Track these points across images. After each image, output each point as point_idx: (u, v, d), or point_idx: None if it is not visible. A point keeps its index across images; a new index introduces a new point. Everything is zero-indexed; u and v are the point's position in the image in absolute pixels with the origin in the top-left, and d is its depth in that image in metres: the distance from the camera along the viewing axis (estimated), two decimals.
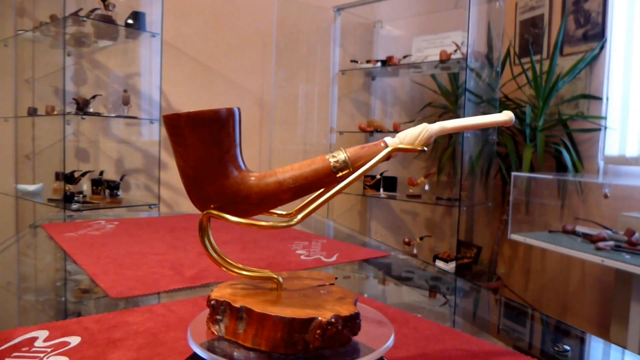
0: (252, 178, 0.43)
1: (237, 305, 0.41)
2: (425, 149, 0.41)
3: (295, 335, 0.37)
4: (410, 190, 2.93)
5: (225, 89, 2.85)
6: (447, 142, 3.02)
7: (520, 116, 2.81)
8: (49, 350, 0.55)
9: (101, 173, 2.51)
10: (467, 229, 3.13)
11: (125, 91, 2.52)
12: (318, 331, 0.36)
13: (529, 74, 2.69)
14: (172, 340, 0.58)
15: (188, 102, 2.75)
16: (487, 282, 2.93)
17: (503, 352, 0.56)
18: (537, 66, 2.70)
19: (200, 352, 0.38)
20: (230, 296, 0.43)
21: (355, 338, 0.42)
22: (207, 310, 0.47)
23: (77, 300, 0.78)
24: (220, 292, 0.44)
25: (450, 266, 2.77)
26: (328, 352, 0.39)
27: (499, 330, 0.71)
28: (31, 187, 2.45)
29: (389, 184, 3.00)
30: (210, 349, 0.39)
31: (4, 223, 2.51)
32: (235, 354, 0.38)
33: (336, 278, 0.44)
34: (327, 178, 0.40)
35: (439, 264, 2.85)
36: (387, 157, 0.41)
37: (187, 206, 2.47)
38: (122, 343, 0.57)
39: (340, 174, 0.39)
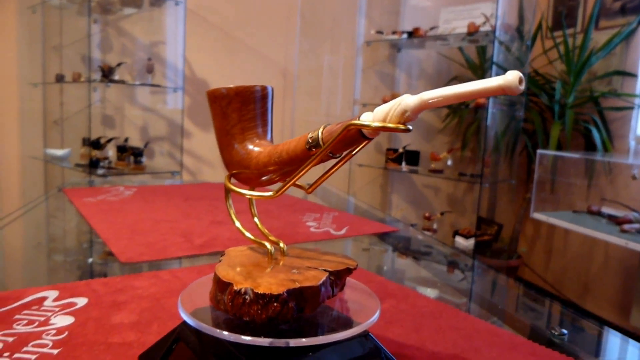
0: (255, 150, 0.44)
1: (220, 259, 0.45)
2: (410, 127, 0.34)
3: (218, 294, 0.39)
4: (433, 165, 2.90)
5: (249, 58, 2.84)
6: (473, 117, 2.96)
7: (549, 92, 2.72)
8: (56, 309, 0.57)
9: (126, 140, 2.56)
10: (489, 206, 3.09)
11: (149, 59, 2.53)
12: (229, 296, 0.38)
13: (561, 48, 2.59)
14: (173, 306, 0.59)
15: (211, 71, 2.76)
16: (506, 260, 2.90)
17: (498, 332, 0.56)
18: (570, 40, 2.60)
19: (186, 317, 0.39)
20: (231, 252, 0.47)
21: (344, 313, 0.43)
22: (202, 278, 0.48)
23: (88, 263, 0.80)
24: (234, 249, 0.48)
25: (470, 242, 2.76)
26: (306, 323, 0.40)
27: (501, 310, 0.71)
28: (59, 152, 2.51)
29: (411, 158, 2.97)
30: (196, 315, 0.40)
31: (34, 186, 2.60)
32: (217, 320, 0.39)
33: (356, 267, 0.43)
34: (302, 154, 0.39)
35: (459, 239, 2.83)
36: (357, 136, 0.36)
37: (210, 174, 2.50)
38: (125, 306, 0.59)
39: (313, 150, 0.38)
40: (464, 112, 2.94)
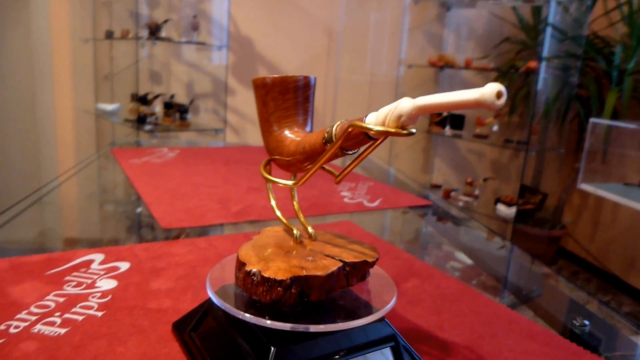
0: (289, 138, 0.46)
1: (252, 237, 0.48)
2: (413, 130, 0.34)
3: (237, 271, 0.43)
4: (478, 130, 2.83)
5: (294, 15, 2.80)
6: (522, 82, 2.84)
7: (608, 57, 2.57)
8: (102, 272, 0.62)
9: (172, 96, 2.61)
10: (534, 175, 3.01)
11: (194, 17, 2.55)
12: (242, 275, 0.41)
13: (625, 9, 2.42)
14: (206, 275, 0.63)
15: (256, 29, 2.75)
16: (549, 230, 2.85)
17: (518, 318, 0.57)
18: (635, 0, 2.41)
19: (213, 296, 0.42)
20: (265, 232, 0.50)
21: (362, 298, 0.45)
22: (233, 255, 0.51)
23: (132, 226, 0.86)
24: (269, 229, 0.51)
25: (511, 211, 2.71)
26: (321, 308, 0.42)
27: (529, 295, 0.71)
28: (109, 107, 2.61)
29: (456, 121, 2.90)
30: (222, 292, 0.43)
31: (86, 141, 2.72)
32: (240, 299, 0.42)
33: (376, 260, 0.44)
34: (320, 148, 0.40)
35: (500, 207, 2.79)
36: (362, 137, 0.36)
37: (252, 132, 2.54)
38: (164, 272, 0.63)
39: (328, 145, 0.39)
40: (513, 76, 2.82)
